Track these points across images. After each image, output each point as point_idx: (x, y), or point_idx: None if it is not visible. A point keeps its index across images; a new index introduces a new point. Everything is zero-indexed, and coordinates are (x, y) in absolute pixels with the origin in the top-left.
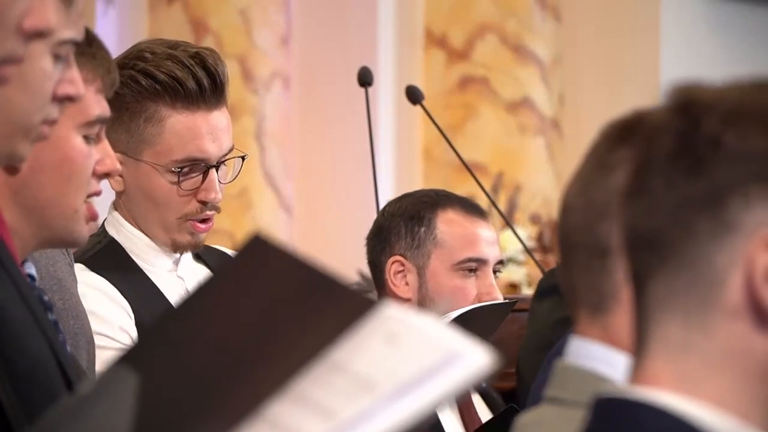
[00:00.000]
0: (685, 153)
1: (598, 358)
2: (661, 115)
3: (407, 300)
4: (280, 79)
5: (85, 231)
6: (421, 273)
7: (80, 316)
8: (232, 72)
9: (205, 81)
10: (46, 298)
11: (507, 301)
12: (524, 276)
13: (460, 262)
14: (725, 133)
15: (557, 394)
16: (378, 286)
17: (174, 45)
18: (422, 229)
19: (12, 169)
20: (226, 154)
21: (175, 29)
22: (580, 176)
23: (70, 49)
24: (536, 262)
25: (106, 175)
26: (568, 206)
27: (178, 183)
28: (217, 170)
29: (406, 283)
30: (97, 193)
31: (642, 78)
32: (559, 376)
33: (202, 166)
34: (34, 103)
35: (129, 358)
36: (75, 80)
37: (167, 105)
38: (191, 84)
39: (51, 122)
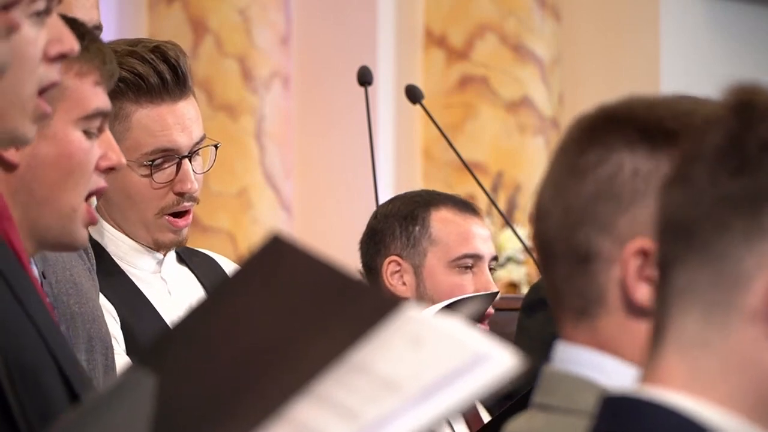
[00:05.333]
0: (734, 152)
1: (586, 363)
2: (717, 111)
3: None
4: (279, 78)
5: (82, 233)
6: (417, 272)
7: (97, 320)
8: (231, 72)
9: (167, 74)
10: (48, 300)
11: (491, 291)
12: (524, 275)
13: (456, 259)
14: None
15: (546, 400)
16: None
17: (134, 42)
18: (417, 228)
19: (9, 167)
20: (198, 143)
21: (175, 29)
22: (552, 180)
23: (50, 6)
24: (536, 261)
25: (111, 169)
26: (543, 212)
27: (151, 176)
28: (190, 160)
29: (404, 283)
30: (101, 191)
31: (642, 77)
32: (547, 382)
33: (175, 158)
34: (22, 73)
35: (148, 358)
36: (64, 37)
37: (131, 101)
38: (153, 78)
39: (49, 86)
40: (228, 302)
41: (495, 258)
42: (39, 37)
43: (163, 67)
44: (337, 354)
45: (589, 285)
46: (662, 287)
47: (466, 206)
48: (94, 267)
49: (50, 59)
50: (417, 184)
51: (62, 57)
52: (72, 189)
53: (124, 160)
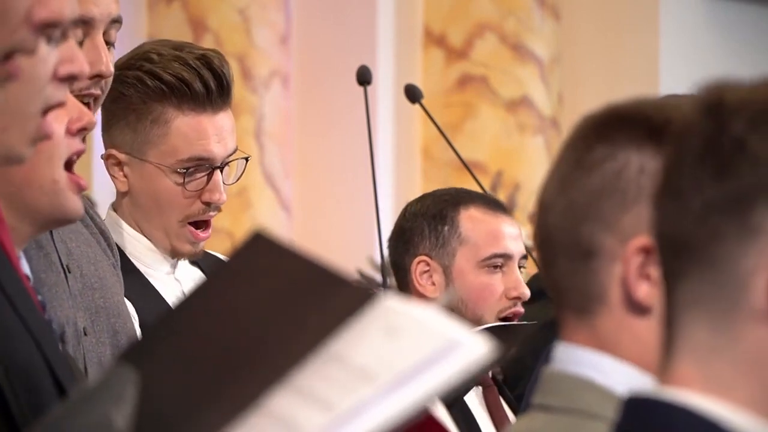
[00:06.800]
0: (711, 156)
1: (585, 363)
2: (690, 116)
3: (434, 300)
4: (279, 78)
5: (74, 202)
6: (447, 272)
7: (122, 315)
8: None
9: (212, 83)
10: (39, 298)
11: (533, 322)
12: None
13: (485, 259)
14: (750, 136)
15: (546, 401)
16: (402, 288)
17: (179, 46)
18: (446, 228)
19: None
20: (230, 155)
21: (174, 28)
22: (558, 175)
23: (66, 33)
24: (535, 260)
25: (84, 130)
26: (546, 206)
27: (184, 184)
28: (221, 171)
29: (433, 283)
30: (79, 153)
31: (641, 77)
32: (548, 383)
33: (207, 167)
34: (30, 90)
35: (131, 353)
36: (76, 58)
37: (174, 106)
38: (198, 86)
39: (55, 105)
40: (210, 297)
41: (525, 256)
42: (50, 57)
43: (208, 75)
44: (314, 345)
45: (591, 282)
46: (668, 299)
47: (495, 205)
48: (119, 263)
49: (59, 79)
50: (417, 184)
51: (72, 78)
52: (46, 164)
53: (94, 119)
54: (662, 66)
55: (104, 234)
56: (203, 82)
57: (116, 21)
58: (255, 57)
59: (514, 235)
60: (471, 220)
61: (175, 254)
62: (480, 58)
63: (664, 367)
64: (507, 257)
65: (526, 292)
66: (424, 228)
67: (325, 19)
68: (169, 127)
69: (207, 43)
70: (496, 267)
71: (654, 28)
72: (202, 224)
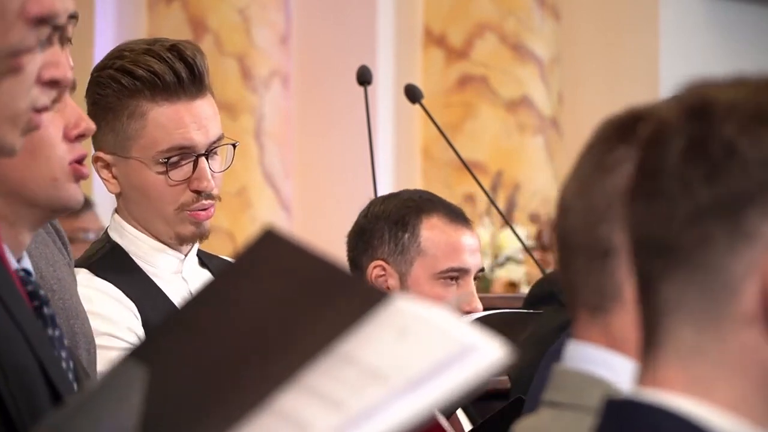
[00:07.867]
0: (700, 159)
1: (597, 362)
2: (671, 117)
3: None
4: (279, 77)
5: (73, 191)
6: (402, 279)
7: (80, 316)
8: (231, 71)
9: (183, 72)
10: (42, 292)
11: (532, 311)
12: (523, 275)
13: (442, 272)
14: (741, 139)
15: (556, 398)
16: None
17: (152, 41)
18: (406, 236)
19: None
20: (215, 142)
21: (174, 28)
22: (578, 176)
23: (52, 32)
24: (535, 261)
25: (82, 136)
26: (566, 207)
27: (167, 173)
28: (207, 159)
29: (387, 287)
30: (83, 157)
31: (641, 76)
32: (558, 380)
33: (191, 156)
34: (17, 88)
35: (140, 351)
36: (60, 63)
37: (147, 99)
38: (169, 76)
39: (40, 109)
40: (221, 295)
41: (482, 269)
42: (36, 58)
43: (179, 66)
44: (324, 345)
45: (607, 280)
46: (649, 300)
47: (457, 215)
48: (72, 261)
49: (42, 83)
50: (416, 184)
51: (54, 83)
52: (44, 164)
53: (93, 125)
54: (662, 66)
55: (59, 232)
56: (174, 71)
57: (73, 17)
58: (255, 57)
59: (473, 247)
60: (432, 229)
61: (181, 240)
62: (480, 58)
63: (645, 368)
64: (464, 271)
65: (479, 307)
66: (384, 232)
67: (325, 19)
68: (145, 119)
69: (207, 43)
70: (452, 279)
71: (654, 28)
72: (201, 210)
